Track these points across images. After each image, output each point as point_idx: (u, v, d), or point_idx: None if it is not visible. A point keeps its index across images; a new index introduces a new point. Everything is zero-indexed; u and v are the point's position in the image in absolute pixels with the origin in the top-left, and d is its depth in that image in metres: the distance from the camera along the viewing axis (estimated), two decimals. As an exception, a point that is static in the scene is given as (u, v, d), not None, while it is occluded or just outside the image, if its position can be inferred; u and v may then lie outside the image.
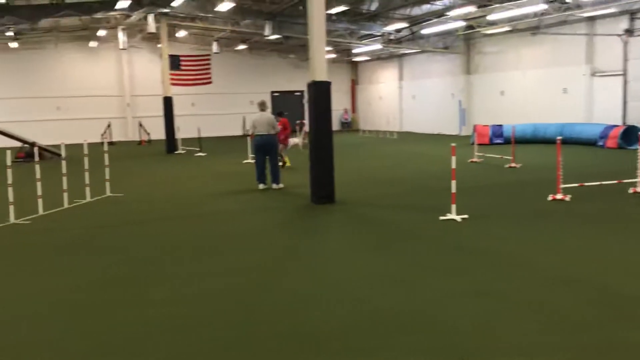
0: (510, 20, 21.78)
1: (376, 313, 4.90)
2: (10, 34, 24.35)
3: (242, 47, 30.74)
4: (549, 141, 20.28)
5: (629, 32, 19.86)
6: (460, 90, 27.42)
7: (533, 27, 22.68)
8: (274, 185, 12.30)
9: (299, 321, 4.78)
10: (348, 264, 6.49)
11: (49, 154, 20.59)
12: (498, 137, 21.30)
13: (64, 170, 10.87)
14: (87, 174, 11.56)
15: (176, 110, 23.15)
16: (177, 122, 23.02)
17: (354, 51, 31.87)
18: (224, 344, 4.37)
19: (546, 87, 22.93)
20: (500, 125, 21.65)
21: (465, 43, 26.86)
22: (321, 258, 6.83)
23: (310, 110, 10.47)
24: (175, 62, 24.08)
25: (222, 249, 7.43)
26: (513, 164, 14.57)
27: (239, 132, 31.92)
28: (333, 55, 32.22)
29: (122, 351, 4.30)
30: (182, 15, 23.63)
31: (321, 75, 10.15)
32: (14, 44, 26.81)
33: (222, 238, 8.05)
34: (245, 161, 17.57)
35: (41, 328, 4.83)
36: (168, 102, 22.69)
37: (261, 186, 12.30)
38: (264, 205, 10.64)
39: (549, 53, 22.80)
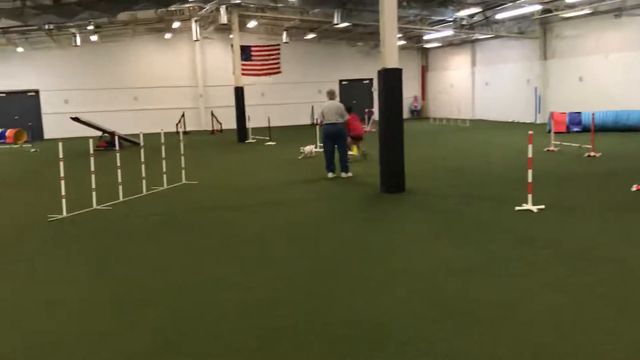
0: (590, 2, 20.74)
1: (447, 304, 4.82)
2: (90, 27, 25.44)
3: (311, 36, 30.81)
4: (632, 129, 19.28)
5: None
6: (536, 76, 26.43)
7: (616, 9, 21.51)
8: (343, 174, 12.30)
9: (367, 309, 4.77)
10: (418, 254, 6.41)
11: (127, 142, 21.46)
12: (576, 125, 20.42)
13: (142, 159, 11.29)
14: (164, 162, 11.97)
15: (246, 100, 23.54)
16: (248, 111, 23.40)
17: (424, 37, 31.30)
18: (295, 329, 4.42)
19: (629, 72, 21.70)
20: (579, 113, 20.73)
21: (542, 27, 25.82)
22: (390, 247, 6.78)
23: (380, 98, 10.37)
24: (246, 52, 24.40)
25: (290, 236, 7.51)
26: (592, 153, 13.93)
27: (308, 121, 32.10)
28: (403, 42, 31.78)
29: (203, 333, 4.43)
30: (252, 5, 23.92)
31: (392, 63, 10.03)
32: (94, 37, 28.00)
33: (291, 225, 8.13)
34: (314, 150, 17.63)
35: (120, 310, 5.04)
36: (239, 92, 23.10)
37: (330, 175, 12.33)
38: (332, 193, 10.66)
39: (633, 36, 21.55)
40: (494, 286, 5.22)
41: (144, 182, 11.21)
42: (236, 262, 6.41)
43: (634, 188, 9.38)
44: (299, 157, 16.15)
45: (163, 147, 12.11)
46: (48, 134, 29.38)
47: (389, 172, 10.21)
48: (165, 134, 12.86)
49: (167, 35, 30.16)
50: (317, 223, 8.28)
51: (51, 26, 23.34)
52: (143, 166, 11.24)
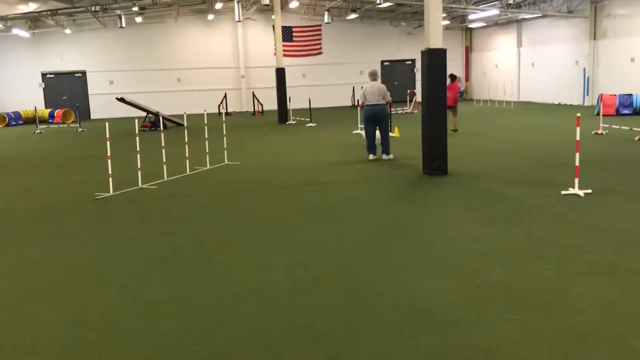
0: (645, -22, 19.90)
1: (490, 287, 4.77)
2: (135, 9, 25.82)
3: (352, 16, 30.53)
4: (686, 112, 18.55)
5: None
6: (585, 57, 25.60)
7: (672, -14, 20.60)
8: (384, 156, 12.23)
9: (409, 292, 4.76)
10: (462, 238, 6.34)
11: (171, 123, 21.81)
12: (626, 108, 19.76)
13: (186, 139, 11.46)
14: (206, 143, 12.13)
15: (288, 82, 23.55)
16: (288, 93, 23.43)
17: (469, 17, 30.64)
18: (336, 310, 4.45)
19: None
20: (630, 95, 20.04)
21: (592, 6, 24.94)
22: (433, 230, 6.73)
23: (423, 79, 10.23)
24: (287, 33, 24.40)
25: (331, 218, 7.53)
26: (644, 137, 13.49)
27: (349, 103, 31.96)
28: (446, 22, 31.19)
29: (250, 311, 4.51)
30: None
31: (436, 43, 9.87)
32: (138, 19, 28.43)
33: (332, 207, 8.15)
34: (355, 132, 17.59)
35: (164, 287, 5.17)
36: (280, 74, 23.11)
37: (371, 157, 12.27)
38: (373, 175, 10.62)
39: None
40: (539, 271, 5.13)
41: (187, 162, 11.39)
42: (277, 242, 6.47)
43: (688, 173, 9.05)
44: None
45: (206, 128, 12.26)
46: (94, 114, 30.15)
47: (432, 155, 10.10)
48: (208, 114, 13.01)
49: (210, 17, 30.37)
50: (359, 205, 8.27)
51: (97, 8, 23.80)
52: (187, 146, 11.42)
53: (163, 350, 3.90)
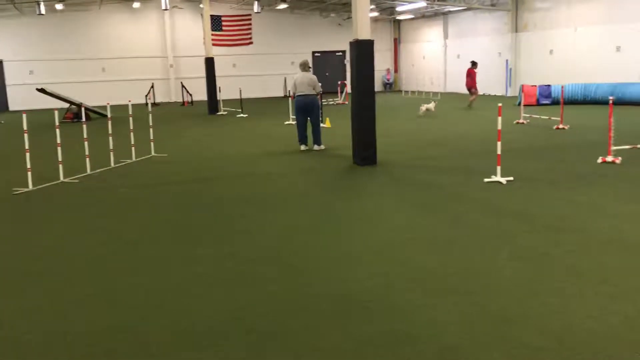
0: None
1: (418, 274, 4.86)
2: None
3: (282, 6, 30.33)
4: (600, 102, 19.58)
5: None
6: (508, 49, 26.56)
7: (586, -18, 21.63)
8: (315, 147, 12.25)
9: (341, 282, 4.78)
10: (391, 225, 6.45)
11: (95, 114, 21.02)
12: (546, 98, 20.65)
13: (110, 131, 11.07)
14: (132, 135, 11.76)
15: (217, 72, 23.17)
16: (219, 83, 23.06)
17: (397, 9, 31.11)
18: (268, 302, 4.41)
19: (598, 45, 21.93)
20: (549, 86, 20.96)
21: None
22: (363, 219, 6.80)
23: (352, 70, 10.30)
24: (216, 22, 23.96)
25: (262, 209, 7.47)
26: (561, 126, 14.13)
27: (280, 93, 31.85)
28: (375, 14, 31.54)
29: (172, 307, 4.40)
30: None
31: (364, 34, 9.94)
32: (59, 6, 27.15)
33: (263, 198, 8.09)
34: (287, 122, 17.54)
35: (86, 283, 4.97)
36: (210, 64, 22.71)
37: (302, 147, 12.27)
38: (305, 166, 10.63)
39: (603, 9, 21.72)
40: (463, 257, 5.28)
41: (111, 154, 11.01)
42: (204, 234, 6.36)
43: (600, 160, 9.55)
44: (419, 114, 18.13)
45: (131, 119, 11.89)
46: (13, 105, 28.64)
47: (361, 145, 10.20)
48: (134, 105, 12.60)
49: (136, 4, 29.38)
50: (290, 195, 8.25)
51: (13, -7, 22.56)
52: (110, 138, 11.04)
53: (82, 349, 3.74)
